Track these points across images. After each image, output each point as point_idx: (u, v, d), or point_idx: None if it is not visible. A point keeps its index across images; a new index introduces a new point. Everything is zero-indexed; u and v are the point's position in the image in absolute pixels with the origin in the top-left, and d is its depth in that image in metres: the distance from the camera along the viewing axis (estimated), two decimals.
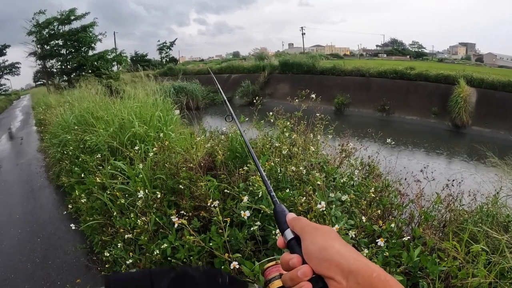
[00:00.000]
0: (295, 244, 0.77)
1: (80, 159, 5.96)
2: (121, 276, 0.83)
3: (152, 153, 4.53)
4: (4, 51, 42.16)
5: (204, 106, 33.65)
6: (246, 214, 2.51)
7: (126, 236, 3.30)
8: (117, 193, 3.97)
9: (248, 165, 3.47)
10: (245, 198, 2.63)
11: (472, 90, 24.57)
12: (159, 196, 3.54)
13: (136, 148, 4.85)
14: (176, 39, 71.16)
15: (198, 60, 76.82)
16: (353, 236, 2.50)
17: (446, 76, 27.07)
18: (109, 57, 34.82)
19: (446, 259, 2.42)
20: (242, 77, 38.61)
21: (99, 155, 5.36)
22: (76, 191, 5.28)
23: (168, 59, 60.61)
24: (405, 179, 4.09)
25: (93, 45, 34.04)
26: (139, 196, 3.45)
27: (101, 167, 5.07)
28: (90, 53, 34.12)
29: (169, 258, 2.86)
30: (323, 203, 2.35)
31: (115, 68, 35.31)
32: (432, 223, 3.39)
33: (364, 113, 29.04)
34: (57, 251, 5.54)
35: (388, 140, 4.79)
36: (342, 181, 3.29)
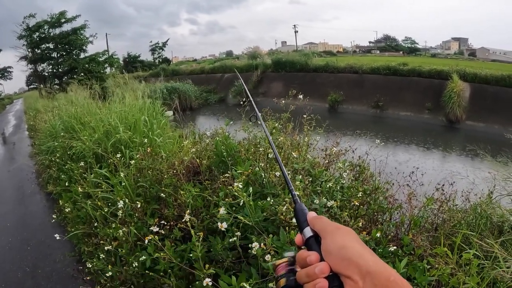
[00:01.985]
0: (313, 242, 0.79)
1: (66, 167, 5.84)
2: None
3: (134, 160, 4.42)
4: None
5: (197, 107, 33.60)
6: (223, 225, 2.40)
7: (105, 247, 3.18)
8: (99, 202, 3.85)
9: (230, 171, 3.36)
10: (221, 210, 2.52)
11: (466, 85, 24.61)
12: (139, 205, 3.42)
13: (118, 155, 4.72)
14: (168, 39, 71.19)
15: (191, 60, 76.82)
16: None
17: (439, 71, 27.12)
18: (100, 59, 34.54)
19: (437, 266, 2.32)
20: (235, 77, 38.54)
21: (82, 163, 5.23)
22: (62, 200, 5.20)
23: (161, 60, 60.63)
24: (397, 180, 3.99)
25: (84, 47, 34.00)
26: (119, 206, 3.33)
27: (85, 175, 4.96)
28: (82, 55, 34.07)
29: (146, 272, 2.75)
30: None
31: (108, 70, 35.24)
32: (424, 225, 3.31)
33: (358, 110, 29.03)
34: (46, 259, 5.45)
35: (377, 141, 4.68)
36: (328, 185, 3.18)
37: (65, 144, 6.64)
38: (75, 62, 32.55)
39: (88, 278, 3.59)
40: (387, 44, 78.69)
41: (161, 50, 61.82)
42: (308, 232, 0.81)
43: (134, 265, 2.91)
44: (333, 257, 0.71)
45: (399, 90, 28.38)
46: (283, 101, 4.67)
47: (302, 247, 0.83)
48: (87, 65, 32.45)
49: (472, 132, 21.78)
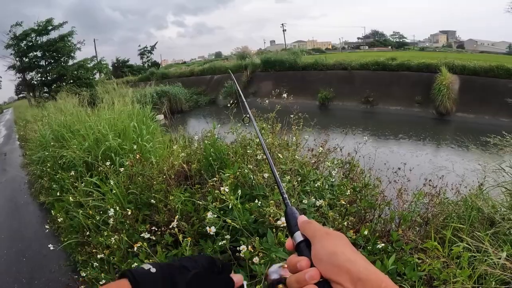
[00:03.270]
0: (304, 247, 0.77)
1: (58, 176, 5.81)
2: (141, 271, 0.75)
3: (123, 168, 4.41)
4: None
5: (188, 109, 33.55)
6: (212, 230, 2.41)
7: (98, 256, 3.18)
8: (90, 211, 3.85)
9: (219, 174, 3.36)
10: (209, 214, 2.53)
11: (455, 77, 24.75)
12: (130, 212, 3.41)
13: (108, 163, 4.71)
14: (157, 42, 70.99)
15: (180, 63, 76.71)
16: None
17: (428, 65, 27.25)
18: (89, 65, 34.29)
19: (427, 260, 2.33)
20: (225, 77, 38.55)
21: (73, 172, 5.21)
22: (55, 210, 5.18)
23: (150, 64, 60.48)
24: (387, 176, 4.02)
25: (72, 54, 33.68)
26: (110, 214, 3.33)
27: (76, 184, 4.94)
28: (70, 62, 33.75)
29: None
30: (283, 219, 2.25)
31: (97, 76, 35.09)
32: (415, 219, 3.32)
33: (349, 106, 29.09)
34: (42, 270, 5.40)
35: (365, 138, 4.69)
36: (316, 185, 3.19)
37: (56, 154, 6.60)
38: (63, 70, 32.24)
39: (83, 287, 3.59)
40: (376, 40, 79.24)
41: (150, 54, 61.81)
42: (298, 236, 0.80)
43: None
44: (324, 263, 0.70)
45: (388, 85, 28.48)
46: (266, 101, 4.68)
47: (293, 252, 0.81)
48: (75, 72, 32.31)
49: (462, 123, 21.92)
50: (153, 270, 0.74)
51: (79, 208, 4.42)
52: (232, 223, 2.48)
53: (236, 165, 3.31)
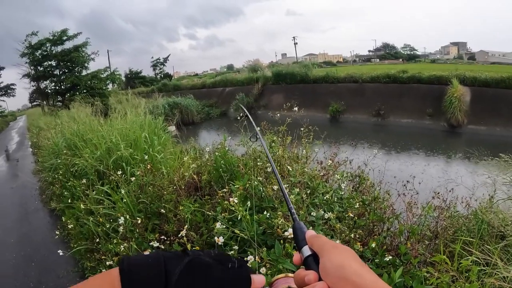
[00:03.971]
0: (311, 261, 0.77)
1: (69, 184, 5.89)
2: (133, 258, 0.73)
3: (134, 178, 4.46)
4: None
5: (199, 121, 33.65)
6: (220, 240, 2.43)
7: (107, 263, 3.21)
8: (100, 219, 3.90)
9: (229, 186, 3.39)
10: (218, 224, 2.55)
11: (466, 89, 24.59)
12: (139, 221, 3.45)
13: (119, 172, 4.76)
14: (169, 55, 71.47)
15: (192, 75, 77.25)
16: None
17: (439, 77, 27.12)
18: (102, 76, 34.74)
19: (436, 274, 2.33)
20: (236, 90, 38.77)
21: (84, 180, 5.28)
22: (65, 216, 5.26)
23: (162, 75, 60.95)
24: (396, 189, 4.00)
25: (86, 64, 33.96)
26: (120, 222, 3.37)
27: (87, 192, 5.00)
28: (84, 72, 34.02)
29: None
30: (290, 230, 2.27)
31: (110, 87, 35.45)
32: (425, 233, 3.31)
33: (359, 119, 28.99)
34: (50, 275, 5.46)
35: (375, 151, 4.70)
36: (325, 198, 3.20)
37: (68, 161, 6.68)
38: (77, 79, 32.55)
39: None
40: (386, 52, 79.15)
41: (162, 66, 62.35)
42: (306, 251, 0.80)
43: None
44: (331, 276, 0.70)
45: (399, 97, 28.37)
46: (278, 114, 4.71)
47: (301, 266, 0.81)
48: (89, 82, 32.68)
49: (474, 135, 21.74)
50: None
51: (89, 215, 4.48)
52: (241, 234, 2.50)
53: (246, 177, 3.34)
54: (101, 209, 4.27)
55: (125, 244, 3.22)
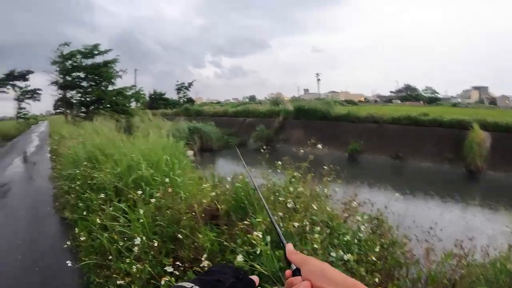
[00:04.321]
0: (298, 272, 0.89)
1: (86, 195, 5.92)
2: None
3: (154, 199, 4.46)
4: (27, 77, 43.51)
5: (217, 148, 33.71)
6: None
7: (118, 281, 3.18)
8: (115, 236, 3.89)
9: (249, 218, 3.37)
10: (239, 257, 2.53)
11: (486, 135, 24.30)
12: (156, 244, 3.43)
13: (140, 192, 4.77)
14: (194, 80, 72.28)
15: (215, 102, 78.11)
16: None
17: (460, 121, 26.91)
18: (128, 93, 35.27)
19: None
20: (257, 121, 39.01)
21: (102, 195, 5.29)
22: (78, 228, 5.26)
23: (185, 99, 61.74)
24: (415, 234, 3.94)
25: (113, 80, 34.49)
26: (135, 242, 3.36)
27: (104, 207, 5.01)
28: (110, 88, 34.58)
29: None
30: None
31: (133, 104, 35.89)
32: (442, 281, 3.23)
33: (378, 160, 28.74)
34: (53, 283, 5.39)
35: (396, 194, 4.65)
36: (345, 238, 3.16)
37: (87, 173, 6.72)
38: (103, 94, 33.06)
39: None
40: (408, 94, 79.34)
41: (186, 90, 63.23)
42: (293, 266, 0.91)
43: None
44: (314, 275, 0.82)
45: (419, 140, 28.16)
46: (301, 150, 4.70)
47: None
48: (114, 98, 33.09)
49: (493, 182, 21.37)
50: None
51: (103, 230, 4.46)
52: (260, 269, 2.47)
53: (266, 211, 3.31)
54: (116, 226, 4.25)
55: (138, 265, 3.19)
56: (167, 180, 5.23)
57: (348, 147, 30.40)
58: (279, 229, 1.10)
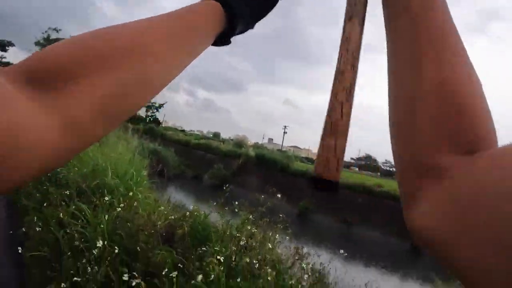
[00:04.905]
0: None
1: (44, 187, 5.96)
2: None
3: (119, 208, 4.63)
4: (7, 48, 42.30)
5: (171, 176, 33.46)
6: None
7: (74, 279, 3.33)
8: (76, 234, 4.03)
9: (205, 246, 3.62)
10: (200, 277, 2.79)
11: None
12: (116, 251, 3.60)
13: (106, 198, 4.92)
14: (166, 102, 71.32)
15: (179, 129, 77.52)
16: None
17: None
18: None
19: None
20: (216, 159, 39.29)
21: (67, 192, 5.37)
22: (29, 217, 5.29)
23: (151, 119, 61.12)
24: None
25: None
26: (97, 245, 3.53)
27: (64, 203, 5.10)
28: None
29: None
30: None
31: None
32: None
33: (326, 223, 29.28)
34: None
35: (341, 251, 4.99)
36: (290, 283, 3.45)
37: None
38: None
39: None
40: (367, 163, 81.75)
41: (155, 111, 62.68)
42: None
43: None
44: None
45: (369, 210, 29.05)
46: (262, 196, 5.01)
47: None
48: None
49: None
50: None
51: (59, 226, 4.53)
52: None
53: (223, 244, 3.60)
54: (78, 226, 4.37)
55: (95, 267, 3.36)
56: (130, 194, 5.39)
57: (299, 204, 30.80)
58: None
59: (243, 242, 3.93)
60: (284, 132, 73.05)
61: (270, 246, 4.01)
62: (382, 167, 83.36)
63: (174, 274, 2.86)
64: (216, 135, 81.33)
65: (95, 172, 6.04)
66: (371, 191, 31.66)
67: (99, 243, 3.55)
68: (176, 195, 6.70)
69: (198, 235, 4.14)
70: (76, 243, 3.97)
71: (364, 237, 26.60)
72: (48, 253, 4.34)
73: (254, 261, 3.57)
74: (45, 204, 5.44)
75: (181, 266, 3.37)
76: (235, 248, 3.67)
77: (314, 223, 29.15)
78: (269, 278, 3.09)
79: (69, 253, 3.95)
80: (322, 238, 21.08)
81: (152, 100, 59.47)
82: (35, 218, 5.14)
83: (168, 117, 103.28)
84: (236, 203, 4.83)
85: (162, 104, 63.53)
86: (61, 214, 4.58)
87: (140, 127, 45.93)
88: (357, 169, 75.16)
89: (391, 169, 79.44)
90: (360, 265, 18.82)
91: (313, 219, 30.19)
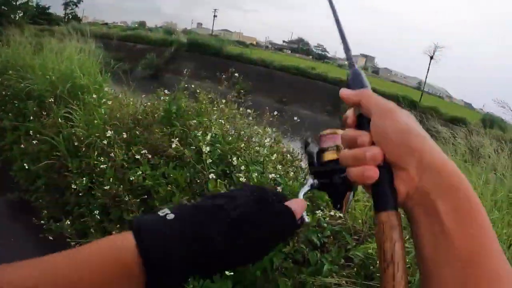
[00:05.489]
0: (365, 121, 0.64)
1: (16, 104, 6.01)
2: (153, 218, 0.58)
3: (110, 102, 4.97)
4: None
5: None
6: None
7: (100, 166, 3.68)
8: (79, 131, 4.32)
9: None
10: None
11: None
12: (125, 136, 3.92)
13: (94, 96, 5.18)
14: None
15: (101, 23, 72.91)
16: None
17: (343, 80, 29.19)
18: (14, 4, 30.95)
19: None
20: (147, 49, 38.31)
21: (45, 101, 5.46)
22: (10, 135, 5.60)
23: (70, 17, 56.69)
24: None
25: None
26: (107, 135, 3.87)
27: (44, 113, 5.17)
28: None
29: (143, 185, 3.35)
30: None
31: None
32: None
33: (263, 102, 30.17)
34: None
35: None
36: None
37: (12, 82, 6.56)
38: None
39: None
40: (300, 47, 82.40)
41: (74, 7, 58.02)
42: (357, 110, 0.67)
43: (131, 178, 3.41)
44: (391, 142, 0.59)
45: (304, 90, 30.45)
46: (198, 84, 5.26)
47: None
48: (1, 7, 28.92)
49: None
50: (171, 216, 0.57)
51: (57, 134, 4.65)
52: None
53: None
54: (75, 128, 4.54)
55: (111, 154, 3.70)
56: (106, 89, 5.59)
57: (235, 86, 31.18)
58: (347, 41, 0.80)
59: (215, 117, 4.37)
60: (214, 16, 70.92)
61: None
62: (315, 50, 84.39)
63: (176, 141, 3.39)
64: (142, 24, 77.43)
65: (65, 76, 6.04)
66: (304, 72, 32.91)
67: (109, 133, 3.90)
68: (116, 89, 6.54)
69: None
70: (76, 143, 4.30)
71: (298, 115, 27.87)
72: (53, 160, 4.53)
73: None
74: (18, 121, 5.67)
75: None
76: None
77: (252, 104, 29.93)
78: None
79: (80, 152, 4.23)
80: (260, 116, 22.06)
81: None
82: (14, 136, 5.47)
83: (87, 12, 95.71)
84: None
85: None
86: (49, 121, 4.84)
87: (63, 28, 42.65)
88: (289, 52, 75.53)
89: (323, 53, 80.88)
90: (296, 139, 20.16)
91: (250, 100, 30.87)
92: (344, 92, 0.70)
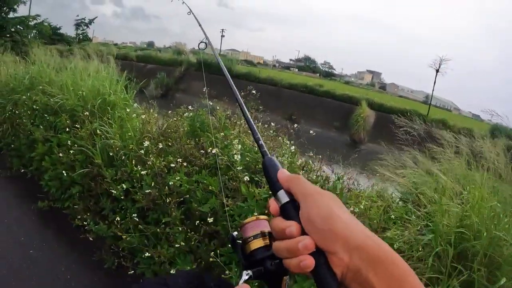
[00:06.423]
0: (291, 209, 0.68)
1: (48, 118, 6.25)
2: None
3: (143, 116, 5.30)
4: None
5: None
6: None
7: (140, 172, 3.97)
8: (114, 142, 4.65)
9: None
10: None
11: (372, 112, 27.89)
12: (161, 146, 4.23)
13: (128, 110, 5.56)
14: (96, 17, 65.92)
15: (110, 44, 73.72)
16: None
17: (351, 97, 30.83)
18: (30, 23, 31.39)
19: None
20: (158, 69, 38.80)
21: (78, 115, 5.78)
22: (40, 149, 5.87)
23: (81, 37, 57.45)
24: None
25: (15, 7, 30.13)
26: (144, 145, 4.19)
27: (78, 127, 5.49)
28: (11, 15, 30.16)
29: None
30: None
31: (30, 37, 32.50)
32: None
33: (272, 119, 30.46)
34: None
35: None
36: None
37: (38, 97, 6.85)
38: (3, 21, 28.54)
39: None
40: (306, 65, 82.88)
41: (85, 27, 58.69)
42: (283, 196, 0.70)
43: (170, 183, 3.70)
44: (317, 229, 0.62)
45: (312, 107, 30.94)
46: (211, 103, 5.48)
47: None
48: (16, 27, 29.32)
49: (371, 151, 24.44)
50: None
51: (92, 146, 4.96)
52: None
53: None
54: (114, 140, 4.83)
55: (149, 163, 4.00)
56: (135, 105, 5.95)
57: (246, 105, 31.68)
58: (256, 130, 0.86)
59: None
60: (222, 36, 71.67)
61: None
62: (321, 68, 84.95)
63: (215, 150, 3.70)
64: (150, 45, 78.67)
65: (94, 92, 6.33)
66: (312, 90, 33.43)
67: (146, 143, 4.23)
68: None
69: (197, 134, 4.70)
70: (111, 153, 4.66)
71: (308, 132, 28.11)
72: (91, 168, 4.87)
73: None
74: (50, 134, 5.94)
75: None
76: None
77: (263, 120, 30.27)
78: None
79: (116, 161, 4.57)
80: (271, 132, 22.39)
81: (81, 16, 53.91)
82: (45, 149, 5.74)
83: (97, 33, 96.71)
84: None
85: (93, 20, 58.18)
86: (83, 132, 5.17)
87: (74, 47, 43.05)
88: (296, 70, 75.71)
89: (330, 70, 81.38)
90: (305, 156, 20.46)
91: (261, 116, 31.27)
92: (272, 202, 0.72)
